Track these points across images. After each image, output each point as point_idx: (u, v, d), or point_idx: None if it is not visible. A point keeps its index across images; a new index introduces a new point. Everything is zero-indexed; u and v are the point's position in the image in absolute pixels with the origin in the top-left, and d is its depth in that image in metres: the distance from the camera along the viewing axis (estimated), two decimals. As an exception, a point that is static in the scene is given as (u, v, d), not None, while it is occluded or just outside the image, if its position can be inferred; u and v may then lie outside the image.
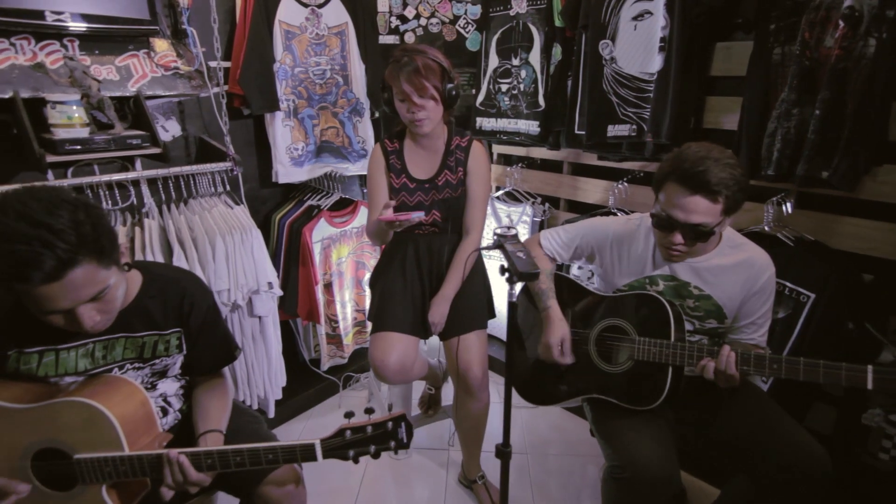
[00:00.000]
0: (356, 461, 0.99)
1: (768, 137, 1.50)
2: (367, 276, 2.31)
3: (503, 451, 1.00)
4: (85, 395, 0.99)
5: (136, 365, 1.11)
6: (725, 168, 1.11)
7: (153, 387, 1.15)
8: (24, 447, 0.99)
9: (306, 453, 0.97)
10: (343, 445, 0.97)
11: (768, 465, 1.20)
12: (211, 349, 1.20)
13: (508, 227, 0.93)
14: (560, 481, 1.85)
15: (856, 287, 1.48)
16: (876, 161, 1.40)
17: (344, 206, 2.23)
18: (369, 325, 2.38)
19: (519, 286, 0.90)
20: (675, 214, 1.16)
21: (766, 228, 1.59)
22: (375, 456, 1.00)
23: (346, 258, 2.24)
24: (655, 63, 1.66)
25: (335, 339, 2.27)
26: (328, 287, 2.18)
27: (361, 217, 2.25)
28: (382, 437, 0.98)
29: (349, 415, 0.99)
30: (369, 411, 0.98)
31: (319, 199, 2.18)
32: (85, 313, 0.92)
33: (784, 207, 1.56)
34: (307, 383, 2.23)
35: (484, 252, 1.76)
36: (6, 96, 1.40)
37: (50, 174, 1.55)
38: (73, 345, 1.03)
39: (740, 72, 1.58)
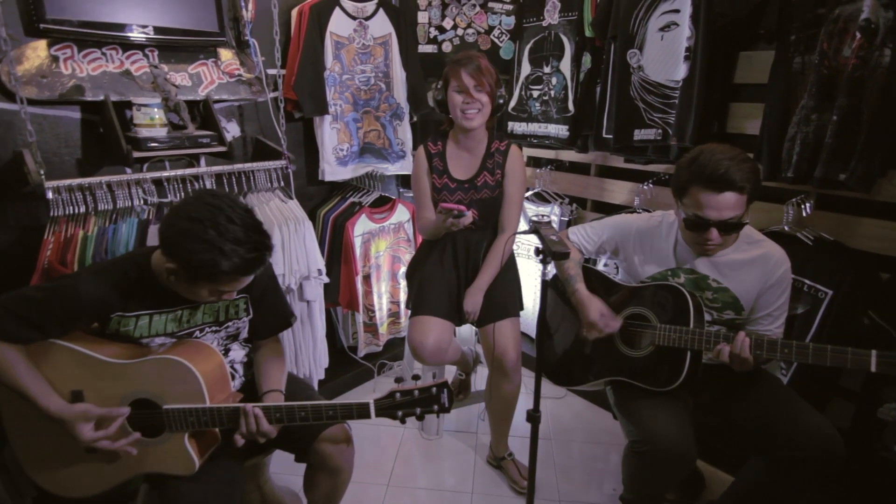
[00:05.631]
0: (403, 421, 1.13)
1: (788, 142, 1.59)
2: (402, 269, 2.47)
3: (533, 416, 1.12)
4: (174, 354, 1.15)
5: (213, 328, 1.28)
6: (742, 164, 1.21)
7: (227, 351, 1.32)
8: (121, 397, 1.16)
9: (362, 411, 1.11)
10: (393, 406, 1.11)
11: (783, 444, 1.28)
12: (271, 314, 1.37)
13: (543, 216, 1.05)
14: (583, 466, 1.95)
15: (872, 284, 1.55)
16: (891, 164, 1.48)
17: (383, 204, 2.39)
18: (403, 315, 2.54)
19: (552, 266, 1.01)
20: (708, 214, 1.25)
21: (786, 228, 1.67)
22: (420, 418, 1.13)
23: (383, 252, 2.39)
24: (681, 71, 1.76)
25: (371, 327, 2.42)
26: (367, 278, 2.33)
27: (399, 214, 2.41)
28: (427, 401, 1.11)
29: (399, 380, 1.13)
30: (416, 377, 1.12)
31: (360, 197, 2.34)
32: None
33: (803, 208, 1.64)
34: (345, 368, 2.39)
35: (516, 251, 1.87)
36: (99, 99, 1.60)
37: (127, 170, 1.75)
38: (166, 310, 1.21)
39: (762, 79, 1.67)
